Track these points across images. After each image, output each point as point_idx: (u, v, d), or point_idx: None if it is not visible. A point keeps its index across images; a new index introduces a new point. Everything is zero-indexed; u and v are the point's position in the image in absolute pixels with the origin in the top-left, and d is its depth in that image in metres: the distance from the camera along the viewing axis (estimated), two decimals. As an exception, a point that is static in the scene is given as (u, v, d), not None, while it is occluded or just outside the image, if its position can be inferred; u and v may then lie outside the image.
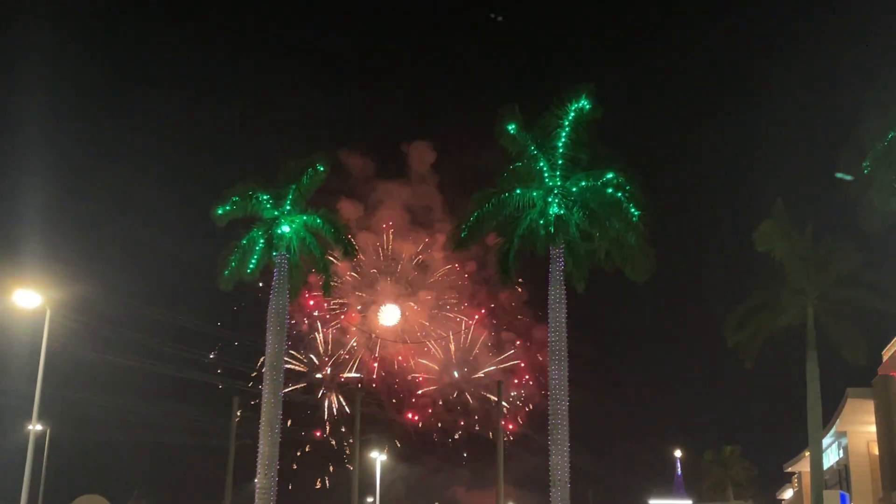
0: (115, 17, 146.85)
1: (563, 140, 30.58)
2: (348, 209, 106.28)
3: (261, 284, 45.05)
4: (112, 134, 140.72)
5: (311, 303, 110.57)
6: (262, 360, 65.21)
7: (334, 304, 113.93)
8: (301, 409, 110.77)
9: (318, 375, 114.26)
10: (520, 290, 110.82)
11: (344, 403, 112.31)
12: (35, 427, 30.62)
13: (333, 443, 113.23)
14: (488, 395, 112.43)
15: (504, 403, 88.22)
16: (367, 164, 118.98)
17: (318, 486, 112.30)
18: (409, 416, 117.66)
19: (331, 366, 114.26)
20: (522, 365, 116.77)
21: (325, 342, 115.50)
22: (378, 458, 74.62)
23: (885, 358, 46.16)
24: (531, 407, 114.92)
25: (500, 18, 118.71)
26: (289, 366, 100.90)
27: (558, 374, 29.66)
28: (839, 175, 31.86)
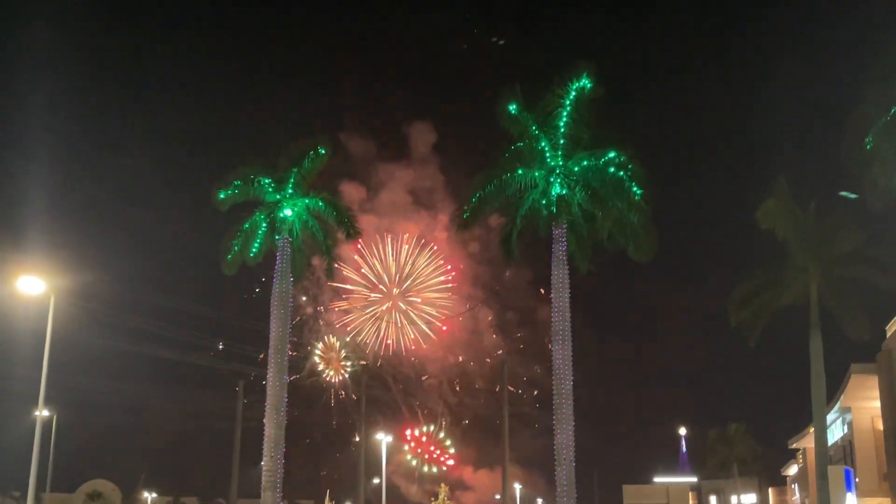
0: (115, 3, 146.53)
1: (564, 119, 30.50)
2: (350, 191, 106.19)
3: (264, 279, 45.03)
4: (115, 121, 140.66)
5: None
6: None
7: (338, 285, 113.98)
8: (307, 393, 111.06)
9: (319, 361, 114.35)
10: (523, 270, 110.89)
11: (350, 388, 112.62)
12: (42, 413, 30.72)
13: (339, 426, 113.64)
14: (493, 377, 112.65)
15: (510, 388, 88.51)
16: (368, 146, 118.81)
17: (325, 473, 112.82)
18: (415, 397, 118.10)
19: (337, 350, 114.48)
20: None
21: (330, 326, 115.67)
22: (384, 439, 74.88)
23: (888, 333, 46.17)
24: (536, 390, 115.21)
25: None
26: (295, 352, 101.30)
27: (562, 354, 29.71)
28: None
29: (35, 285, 28.51)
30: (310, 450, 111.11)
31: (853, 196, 33.67)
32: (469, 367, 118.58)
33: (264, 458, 33.47)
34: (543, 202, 30.47)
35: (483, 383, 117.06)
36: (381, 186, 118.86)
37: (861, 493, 47.91)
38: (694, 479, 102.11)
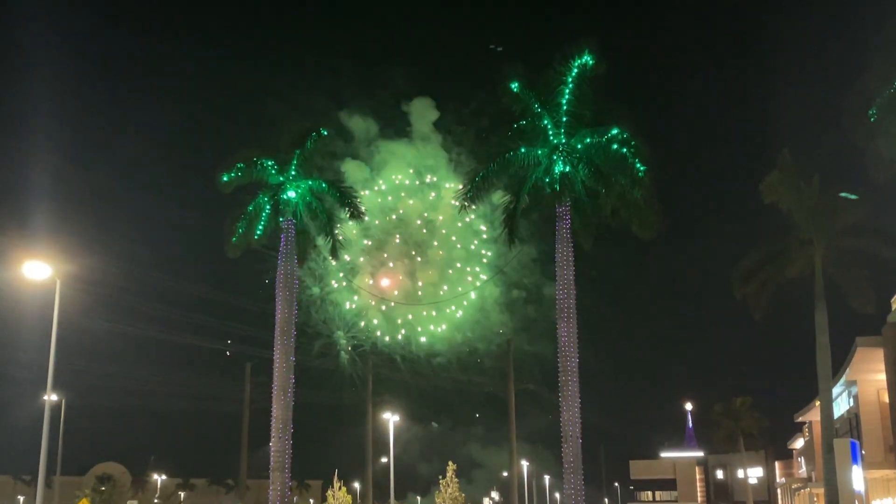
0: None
1: (566, 97, 30.42)
2: (354, 171, 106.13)
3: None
4: (118, 106, 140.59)
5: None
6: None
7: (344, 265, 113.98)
8: (314, 373, 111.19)
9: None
10: (529, 248, 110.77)
11: (358, 366, 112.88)
12: (50, 397, 30.81)
13: (348, 405, 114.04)
14: (500, 355, 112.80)
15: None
16: (369, 125, 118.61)
17: (334, 452, 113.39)
18: (422, 374, 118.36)
19: (343, 329, 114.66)
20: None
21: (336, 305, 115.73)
22: (391, 418, 75.10)
23: (894, 306, 46.11)
24: (543, 367, 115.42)
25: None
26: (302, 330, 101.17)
27: (567, 332, 29.77)
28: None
29: (41, 270, 28.50)
30: (319, 430, 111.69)
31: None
32: (477, 345, 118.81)
33: (272, 440, 33.67)
34: (546, 180, 30.46)
35: (491, 361, 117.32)
36: (383, 165, 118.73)
37: (867, 466, 47.92)
38: (700, 454, 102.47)
